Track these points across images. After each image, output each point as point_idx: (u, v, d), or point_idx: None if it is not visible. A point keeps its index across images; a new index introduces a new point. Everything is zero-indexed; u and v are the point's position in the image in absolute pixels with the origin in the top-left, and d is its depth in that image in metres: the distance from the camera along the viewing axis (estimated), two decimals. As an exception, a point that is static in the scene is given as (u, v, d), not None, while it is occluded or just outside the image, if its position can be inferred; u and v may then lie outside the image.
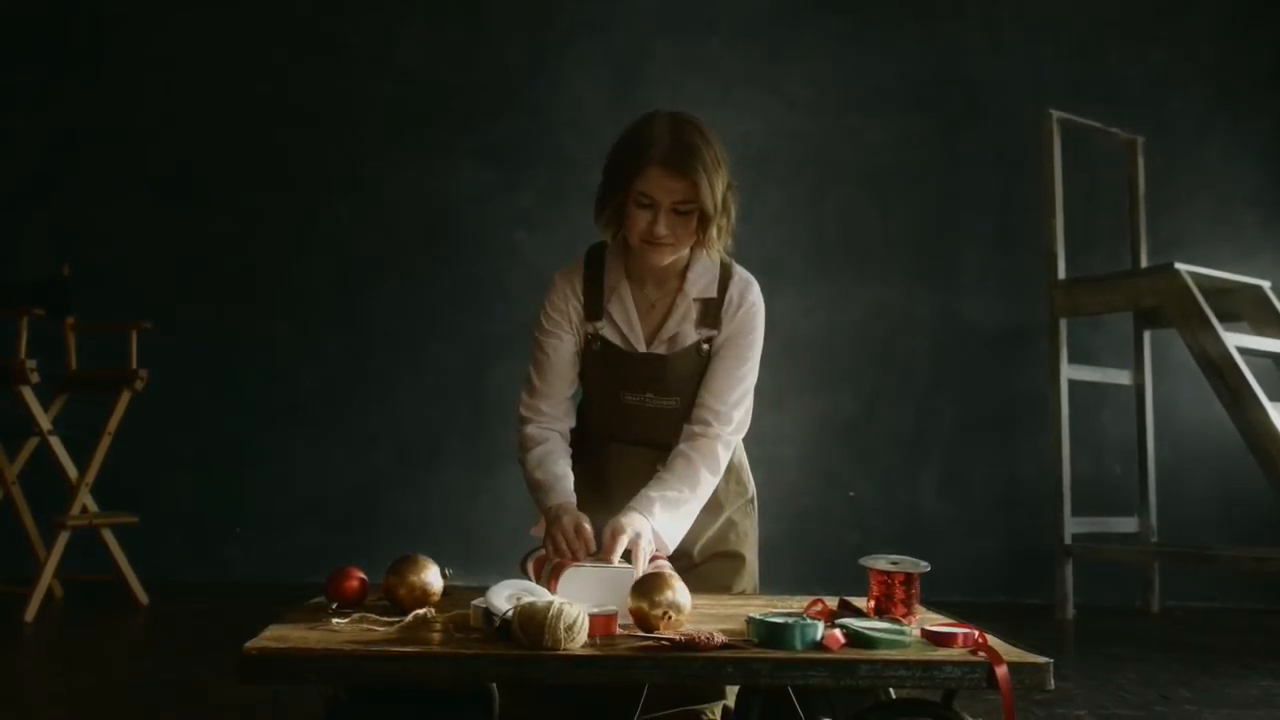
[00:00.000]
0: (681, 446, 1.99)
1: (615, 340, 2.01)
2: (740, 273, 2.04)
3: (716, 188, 1.85)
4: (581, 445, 2.10)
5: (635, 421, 2.04)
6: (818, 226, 4.71)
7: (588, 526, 1.83)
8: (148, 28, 4.71)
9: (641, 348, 2.00)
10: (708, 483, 1.98)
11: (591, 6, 4.77)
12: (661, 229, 1.87)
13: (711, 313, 2.00)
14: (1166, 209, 4.61)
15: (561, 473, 1.97)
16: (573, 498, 1.94)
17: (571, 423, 2.09)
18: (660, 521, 1.87)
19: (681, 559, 2.01)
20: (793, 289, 4.59)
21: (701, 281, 2.00)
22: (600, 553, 1.79)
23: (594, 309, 2.01)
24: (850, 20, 4.78)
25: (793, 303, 4.58)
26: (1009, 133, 4.66)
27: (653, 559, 1.84)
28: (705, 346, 2.00)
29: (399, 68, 4.73)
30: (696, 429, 1.99)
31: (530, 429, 2.03)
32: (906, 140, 4.74)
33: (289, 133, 4.69)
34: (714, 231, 1.89)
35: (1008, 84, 4.74)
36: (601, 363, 2.03)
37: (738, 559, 2.12)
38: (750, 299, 2.02)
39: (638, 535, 1.80)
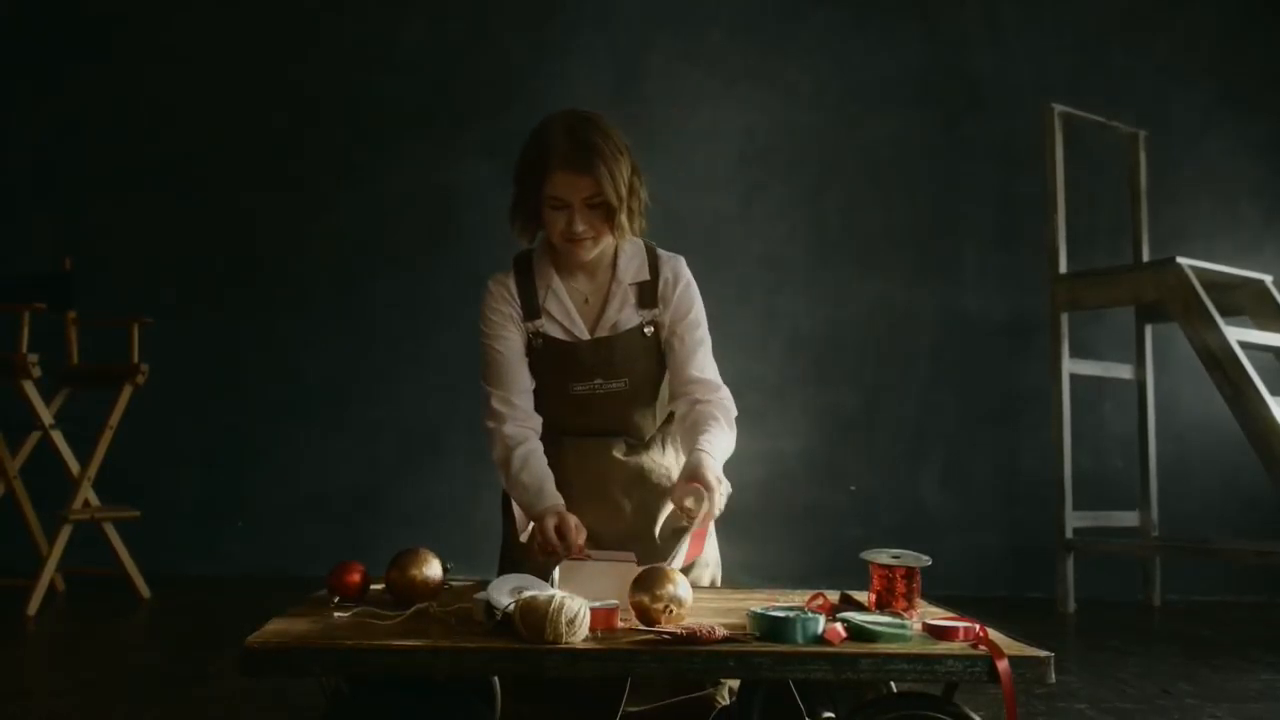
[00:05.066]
0: (695, 409, 2.03)
1: (558, 335, 2.06)
2: (665, 253, 2.12)
3: (618, 178, 1.92)
4: None
5: (587, 411, 2.07)
6: (819, 221, 4.70)
7: (581, 526, 1.87)
8: (151, 23, 4.71)
9: (585, 338, 2.05)
10: (729, 422, 2.01)
11: (593, 1, 4.76)
12: (578, 226, 1.94)
13: (648, 294, 2.07)
14: (1168, 203, 4.61)
15: (546, 473, 1.98)
16: (561, 499, 1.94)
17: (540, 418, 2.08)
18: (714, 448, 1.92)
19: (645, 541, 2.01)
20: (794, 283, 4.59)
21: (633, 266, 2.08)
22: (697, 502, 1.83)
23: (531, 309, 2.07)
24: (852, 14, 4.77)
25: (794, 297, 4.58)
26: (1011, 127, 4.65)
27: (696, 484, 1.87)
28: (649, 329, 2.07)
29: (401, 63, 4.73)
30: (696, 397, 2.04)
31: (508, 428, 2.02)
32: (908, 134, 4.73)
33: (292, 127, 4.69)
34: (623, 218, 1.96)
35: (1010, 78, 4.74)
36: (546, 358, 2.06)
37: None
38: (685, 276, 2.11)
39: (719, 480, 1.85)
